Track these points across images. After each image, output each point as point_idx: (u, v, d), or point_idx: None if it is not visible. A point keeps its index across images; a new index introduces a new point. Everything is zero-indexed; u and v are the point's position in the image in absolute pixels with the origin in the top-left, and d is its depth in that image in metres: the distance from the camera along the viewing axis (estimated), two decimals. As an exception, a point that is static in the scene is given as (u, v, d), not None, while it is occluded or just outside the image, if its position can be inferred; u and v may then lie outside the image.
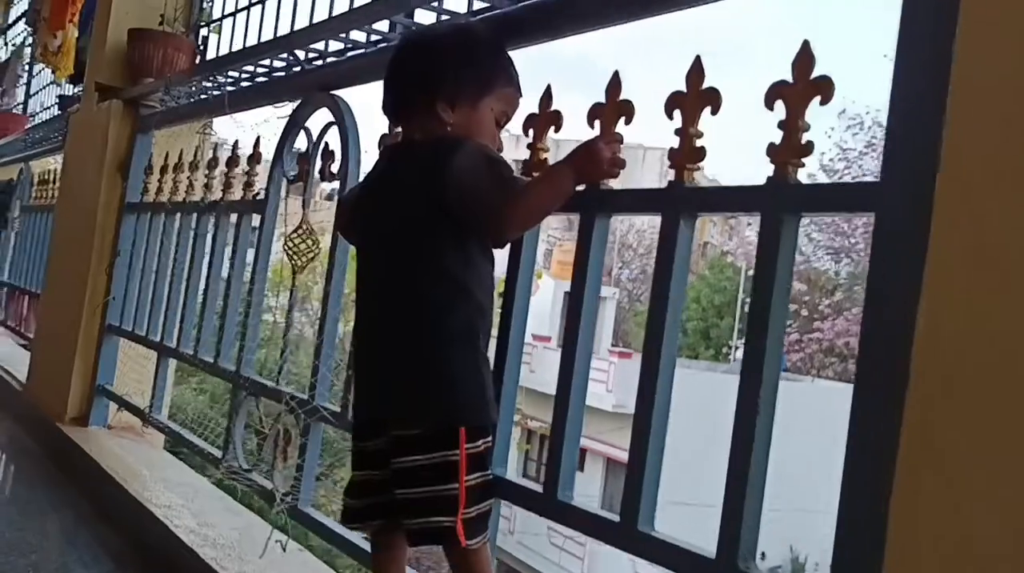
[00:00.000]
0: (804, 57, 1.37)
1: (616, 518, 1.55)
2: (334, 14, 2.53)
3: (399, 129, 1.89)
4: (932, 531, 1.07)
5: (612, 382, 16.74)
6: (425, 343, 1.59)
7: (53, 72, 5.34)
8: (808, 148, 1.37)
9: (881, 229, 1.21)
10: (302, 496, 2.38)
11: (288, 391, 2.48)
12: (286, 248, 2.55)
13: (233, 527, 2.69)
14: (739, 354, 21.96)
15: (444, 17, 2.15)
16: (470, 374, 1.60)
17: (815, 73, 1.35)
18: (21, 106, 7.33)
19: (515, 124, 1.84)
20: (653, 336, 1.51)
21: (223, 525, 2.69)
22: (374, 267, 1.73)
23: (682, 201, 1.53)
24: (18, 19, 6.90)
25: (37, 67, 6.72)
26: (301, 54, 2.72)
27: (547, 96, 1.84)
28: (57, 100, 5.25)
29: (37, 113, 6.50)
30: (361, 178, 2.23)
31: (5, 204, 6.13)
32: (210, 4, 4.14)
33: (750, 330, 1.38)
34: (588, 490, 17.31)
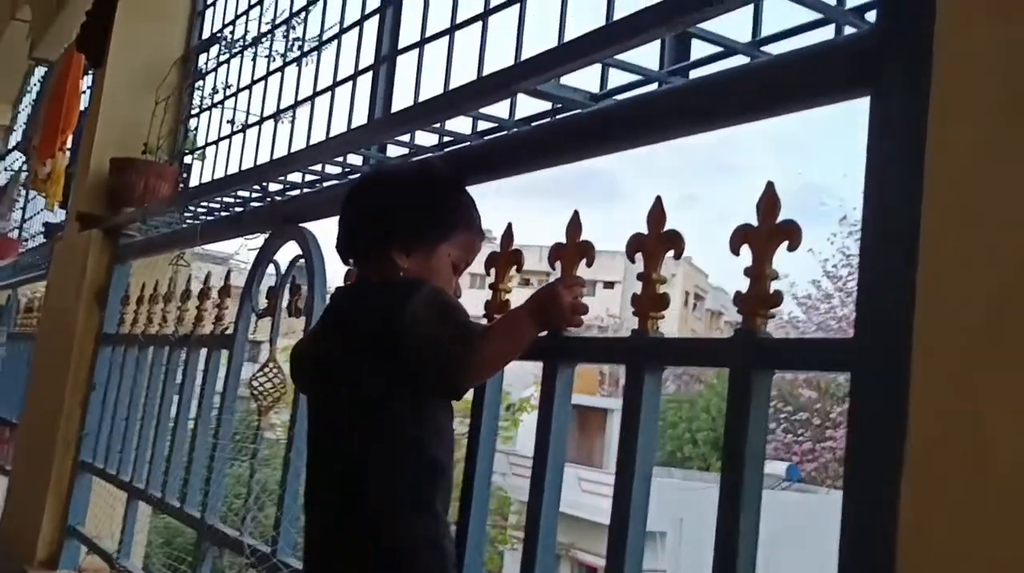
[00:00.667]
0: (768, 199, 1.27)
1: None
2: (304, 147, 2.48)
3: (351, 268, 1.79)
4: None
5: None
6: (370, 510, 1.45)
7: (44, 199, 5.31)
8: (776, 298, 1.25)
9: (857, 389, 1.10)
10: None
11: (251, 543, 2.32)
12: (250, 388, 2.43)
13: None
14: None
15: (412, 152, 2.07)
16: (422, 545, 1.44)
17: (780, 217, 1.25)
18: (16, 230, 7.33)
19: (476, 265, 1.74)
20: (618, 504, 1.37)
21: None
22: (321, 421, 1.60)
23: (645, 352, 1.41)
24: (15, 147, 6.95)
25: (32, 193, 6.73)
26: (273, 186, 2.65)
27: (508, 235, 1.75)
28: (43, 227, 5.22)
29: (29, 239, 6.48)
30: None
31: (-8, 331, 6.06)
32: (194, 132, 4.14)
33: (723, 493, 1.25)
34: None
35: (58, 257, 4.47)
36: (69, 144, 5.00)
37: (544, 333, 1.54)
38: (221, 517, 2.61)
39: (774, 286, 1.26)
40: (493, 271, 1.75)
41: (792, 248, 1.24)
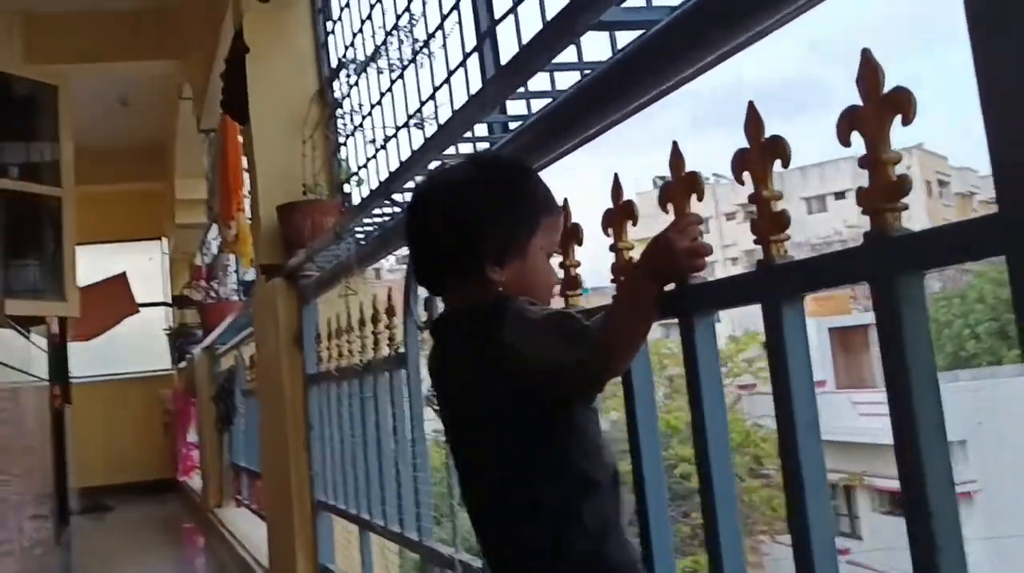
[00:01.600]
0: (868, 70, 1.04)
1: None
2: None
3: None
4: None
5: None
6: (518, 537, 1.35)
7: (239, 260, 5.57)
8: (902, 186, 1.02)
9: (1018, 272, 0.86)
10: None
11: (461, 559, 2.27)
12: (428, 402, 2.38)
13: None
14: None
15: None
16: (578, 563, 1.31)
17: (887, 86, 1.02)
18: (235, 294, 7.78)
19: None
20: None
21: None
22: (458, 455, 1.50)
23: (776, 284, 1.21)
24: (210, 218, 7.37)
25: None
26: (399, 196, 2.59)
27: (617, 187, 1.58)
28: (241, 286, 5.47)
29: (244, 299, 6.84)
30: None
31: (230, 392, 6.42)
32: (345, 160, 4.18)
33: (894, 418, 1.03)
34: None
35: (256, 310, 4.65)
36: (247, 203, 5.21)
37: (669, 287, 1.37)
38: (438, 537, 2.58)
39: (897, 171, 1.03)
40: (611, 231, 1.58)
41: (907, 122, 1.01)
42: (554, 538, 1.31)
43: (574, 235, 1.58)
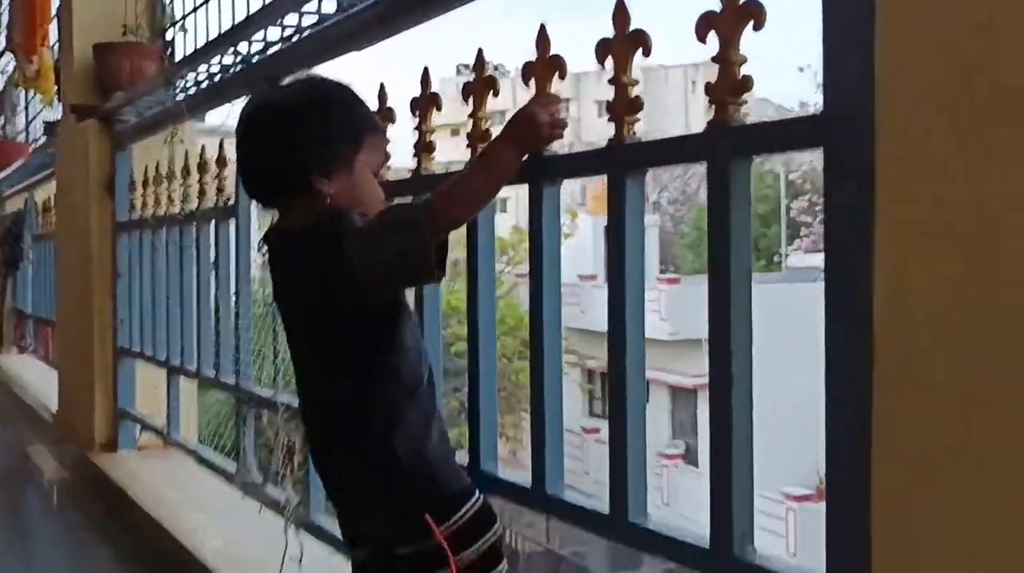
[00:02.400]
0: (729, -20, 1.21)
1: (605, 510, 1.43)
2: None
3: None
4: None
5: (664, 310, 16.43)
6: (349, 437, 1.47)
7: (38, 96, 5.27)
8: (747, 83, 1.21)
9: (831, 164, 1.07)
10: (311, 506, 2.30)
11: (284, 401, 2.39)
12: (260, 254, 2.44)
13: (261, 542, 2.62)
14: (791, 261, 21.49)
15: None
16: (412, 467, 1.44)
17: (744, -5, 1.20)
18: (24, 134, 7.31)
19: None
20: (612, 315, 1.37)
21: (250, 541, 2.61)
22: (291, 340, 1.59)
23: (623, 159, 1.39)
24: (3, 50, 6.84)
25: (31, 93, 6.67)
26: (254, 47, 2.58)
27: (480, 61, 1.70)
28: (43, 125, 5.19)
29: (36, 140, 6.46)
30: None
31: (18, 236, 6.12)
32: (171, 4, 4.03)
33: (712, 298, 1.24)
34: (658, 421, 17.13)
35: (61, 153, 4.47)
36: (53, 37, 4.92)
37: (526, 156, 1.51)
38: (256, 375, 2.69)
39: (743, 71, 1.22)
40: (471, 100, 1.71)
41: (758, 27, 1.19)
42: (383, 439, 1.43)
43: (490, 85, 1.70)
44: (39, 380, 5.51)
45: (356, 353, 1.45)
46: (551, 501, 1.55)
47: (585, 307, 15.89)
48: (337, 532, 2.15)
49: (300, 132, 1.46)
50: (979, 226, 0.90)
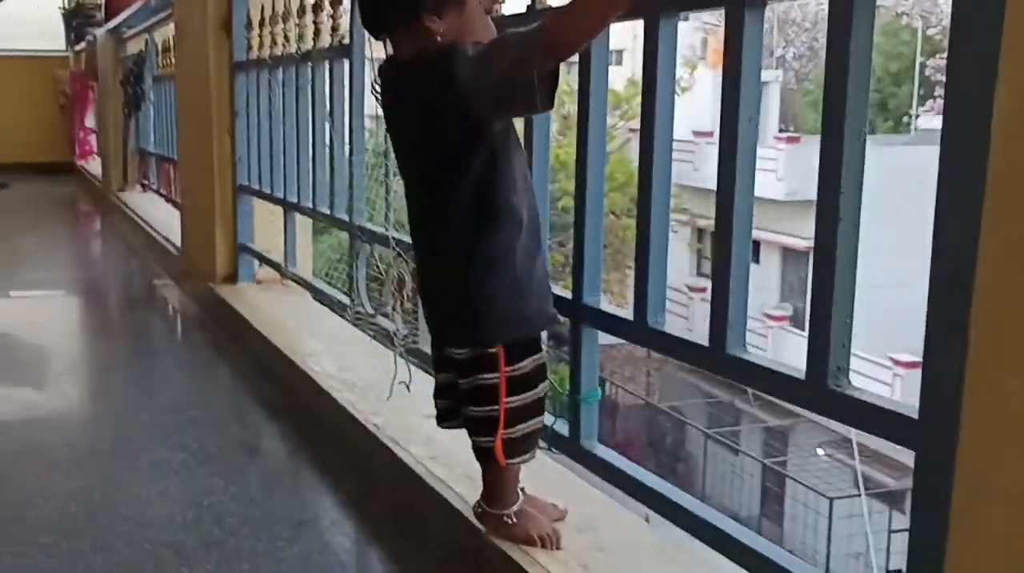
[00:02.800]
0: None
1: (705, 343, 1.48)
2: None
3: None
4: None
5: (782, 170, 16.01)
6: (452, 270, 1.55)
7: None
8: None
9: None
10: (421, 336, 2.41)
11: (395, 237, 2.48)
12: (373, 92, 2.49)
13: (370, 368, 2.77)
14: (920, 123, 20.46)
15: None
16: (502, 294, 1.52)
17: None
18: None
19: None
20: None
21: (361, 367, 2.77)
22: (404, 173, 1.66)
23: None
24: None
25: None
26: None
27: None
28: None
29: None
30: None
31: (139, 77, 6.30)
32: None
33: (825, 120, 1.24)
34: (766, 282, 16.98)
35: (179, -7, 4.55)
36: None
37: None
38: (368, 218, 2.78)
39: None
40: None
41: None
42: (486, 269, 1.51)
43: None
44: (163, 217, 5.79)
45: (464, 185, 1.49)
46: (652, 333, 1.61)
47: (699, 165, 15.62)
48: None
49: None
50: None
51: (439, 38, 1.47)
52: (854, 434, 9.24)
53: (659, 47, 1.56)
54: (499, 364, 1.52)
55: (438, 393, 1.69)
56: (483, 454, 1.59)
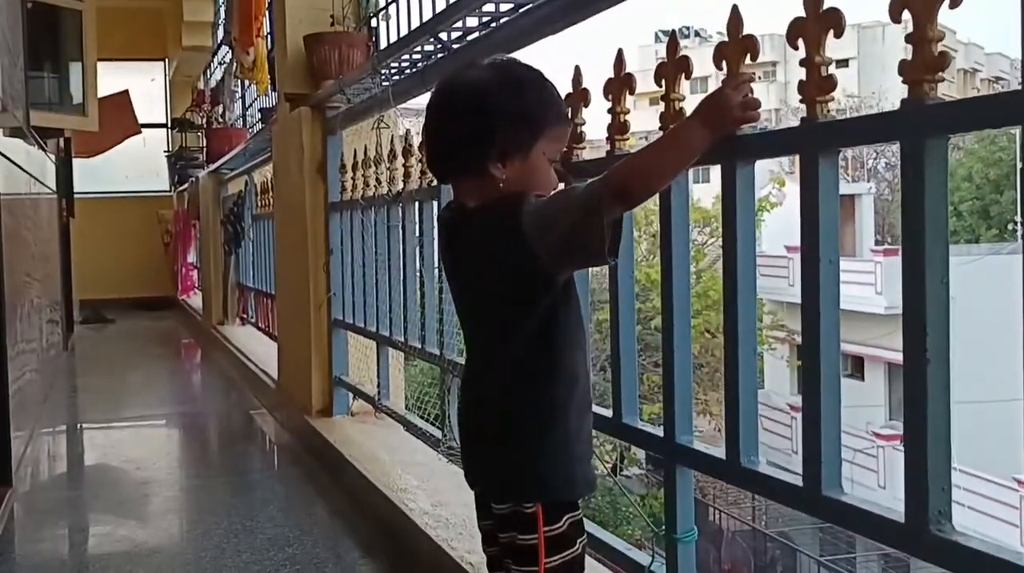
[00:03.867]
0: (924, -43, 1.21)
1: (799, 482, 1.46)
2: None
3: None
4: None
5: (881, 283, 15.71)
6: (505, 421, 1.53)
7: (254, 86, 5.64)
8: (942, 61, 1.20)
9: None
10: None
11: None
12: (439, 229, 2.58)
13: (465, 504, 2.77)
14: (1025, 229, 19.97)
15: None
16: (552, 451, 1.50)
17: (941, -29, 1.19)
18: (240, 120, 7.84)
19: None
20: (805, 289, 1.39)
21: (455, 503, 2.78)
22: (464, 320, 1.67)
23: (816, 139, 1.40)
24: (222, 42, 7.35)
25: (247, 82, 7.15)
26: (445, 36, 2.72)
27: (673, 42, 1.74)
28: (259, 112, 5.56)
29: (253, 126, 6.92)
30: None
31: (240, 215, 6.59)
32: (374, -7, 4.23)
33: (905, 273, 1.25)
34: (873, 399, 16.50)
35: (276, 139, 4.79)
36: (266, 29, 5.26)
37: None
38: (459, 352, 2.83)
39: (939, 47, 1.21)
40: (663, 83, 1.76)
41: (954, 4, 1.18)
42: (538, 431, 1.50)
43: (683, 68, 1.73)
44: (261, 349, 5.96)
45: (521, 337, 1.49)
46: (746, 473, 1.59)
47: (793, 280, 15.48)
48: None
49: (487, 114, 1.47)
50: None
51: (501, 185, 1.49)
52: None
53: (737, 190, 1.59)
54: (538, 524, 1.49)
55: (484, 541, 1.66)
56: None
